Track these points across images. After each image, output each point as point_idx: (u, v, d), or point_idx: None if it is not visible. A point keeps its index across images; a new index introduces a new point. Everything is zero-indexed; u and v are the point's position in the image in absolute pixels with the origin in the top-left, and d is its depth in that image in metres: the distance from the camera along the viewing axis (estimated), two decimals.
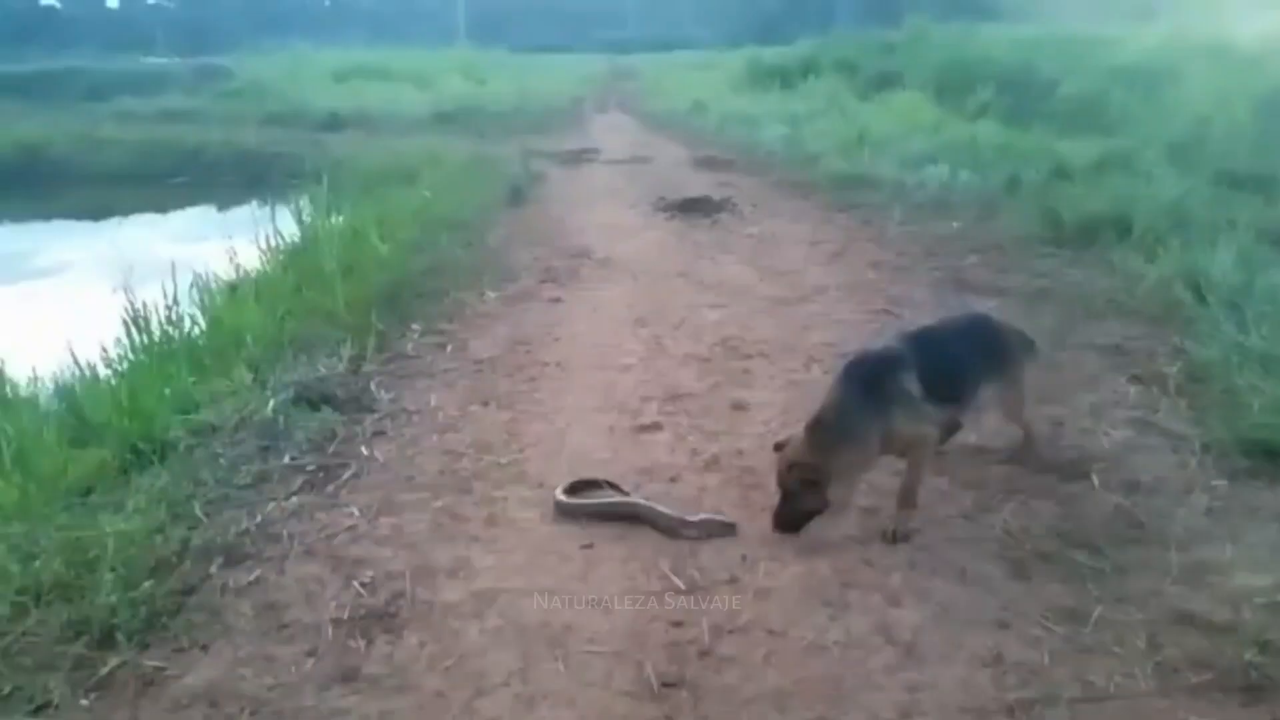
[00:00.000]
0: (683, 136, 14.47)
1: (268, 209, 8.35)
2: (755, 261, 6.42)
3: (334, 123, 18.09)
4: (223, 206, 13.92)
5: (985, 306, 4.96)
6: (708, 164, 11.28)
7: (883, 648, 2.39)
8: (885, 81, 15.16)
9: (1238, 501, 3.04)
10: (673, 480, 3.34)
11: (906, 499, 2.98)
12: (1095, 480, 3.18)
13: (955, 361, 3.14)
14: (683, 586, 2.68)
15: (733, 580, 2.71)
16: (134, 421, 3.76)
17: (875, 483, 3.15)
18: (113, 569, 2.72)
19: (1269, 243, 5.41)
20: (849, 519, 3.02)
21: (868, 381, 2.96)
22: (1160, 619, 2.46)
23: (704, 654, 2.39)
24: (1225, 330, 4.21)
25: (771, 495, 2.98)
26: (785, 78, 17.87)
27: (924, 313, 4.99)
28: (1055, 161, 8.30)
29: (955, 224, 7.02)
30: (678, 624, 2.51)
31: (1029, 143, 9.55)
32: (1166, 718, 2.13)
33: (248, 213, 8.74)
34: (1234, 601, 2.51)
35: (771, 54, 22.22)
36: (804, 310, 5.26)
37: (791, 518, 2.90)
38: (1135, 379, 4.03)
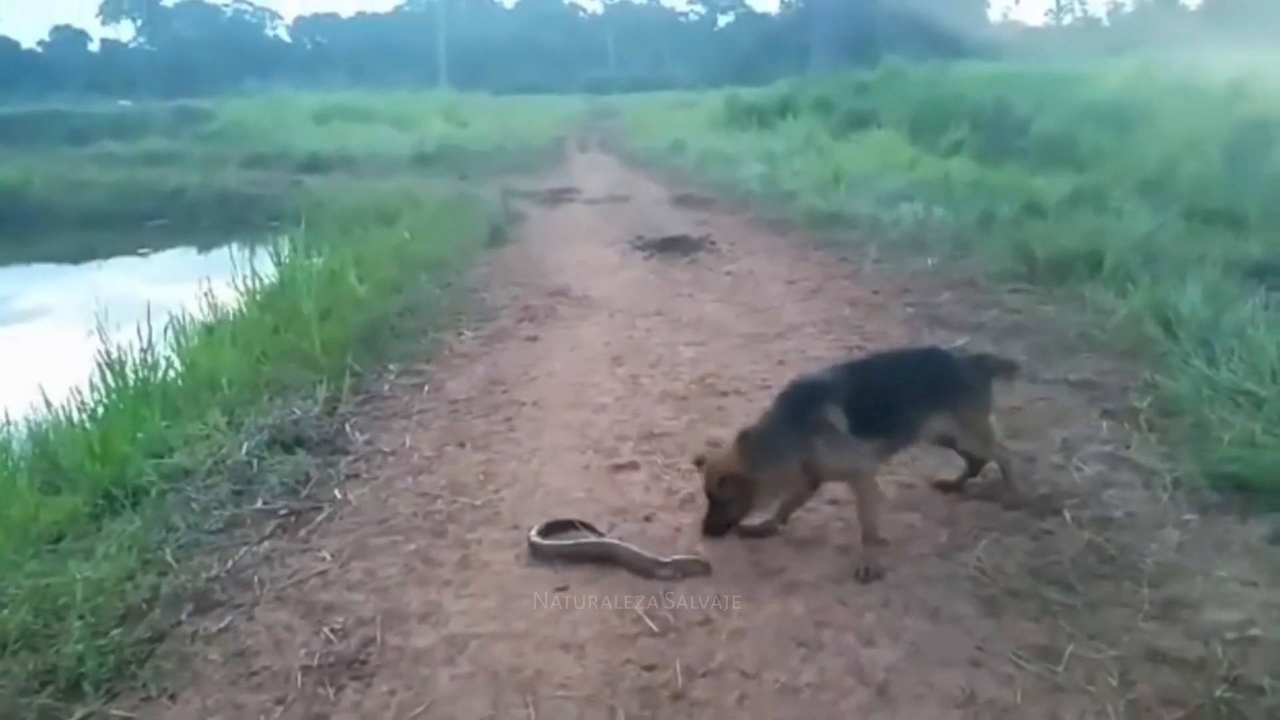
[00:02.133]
0: (662, 175, 14.59)
1: (247, 250, 8.35)
2: (732, 299, 6.45)
3: (314, 164, 18.13)
4: (203, 248, 13.90)
5: (957, 342, 5.04)
6: (686, 202, 11.36)
7: (856, 688, 2.38)
8: (860, 120, 15.33)
9: (1209, 536, 3.05)
10: (648, 519, 3.33)
11: (868, 535, 3.01)
12: (1068, 516, 3.19)
13: (890, 394, 3.18)
14: (656, 629, 2.67)
15: (706, 621, 2.70)
16: (106, 466, 3.74)
17: (850, 519, 3.16)
18: (81, 617, 2.71)
19: (1238, 277, 5.48)
20: (824, 560, 3.02)
21: (794, 407, 3.06)
22: (1132, 655, 2.46)
23: (676, 697, 2.37)
24: (1195, 365, 4.25)
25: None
26: (763, 117, 18.06)
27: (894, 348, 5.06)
28: (1028, 198, 8.40)
29: (930, 260, 7.07)
30: (650, 667, 2.50)
31: (1002, 179, 9.66)
32: None
33: (227, 254, 8.72)
34: (1205, 637, 2.51)
35: (749, 94, 22.49)
36: (780, 347, 5.29)
37: (718, 524, 3.05)
38: (1107, 414, 4.05)
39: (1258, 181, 8.03)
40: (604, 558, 3.05)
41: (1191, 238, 6.57)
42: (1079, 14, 70.39)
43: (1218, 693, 2.28)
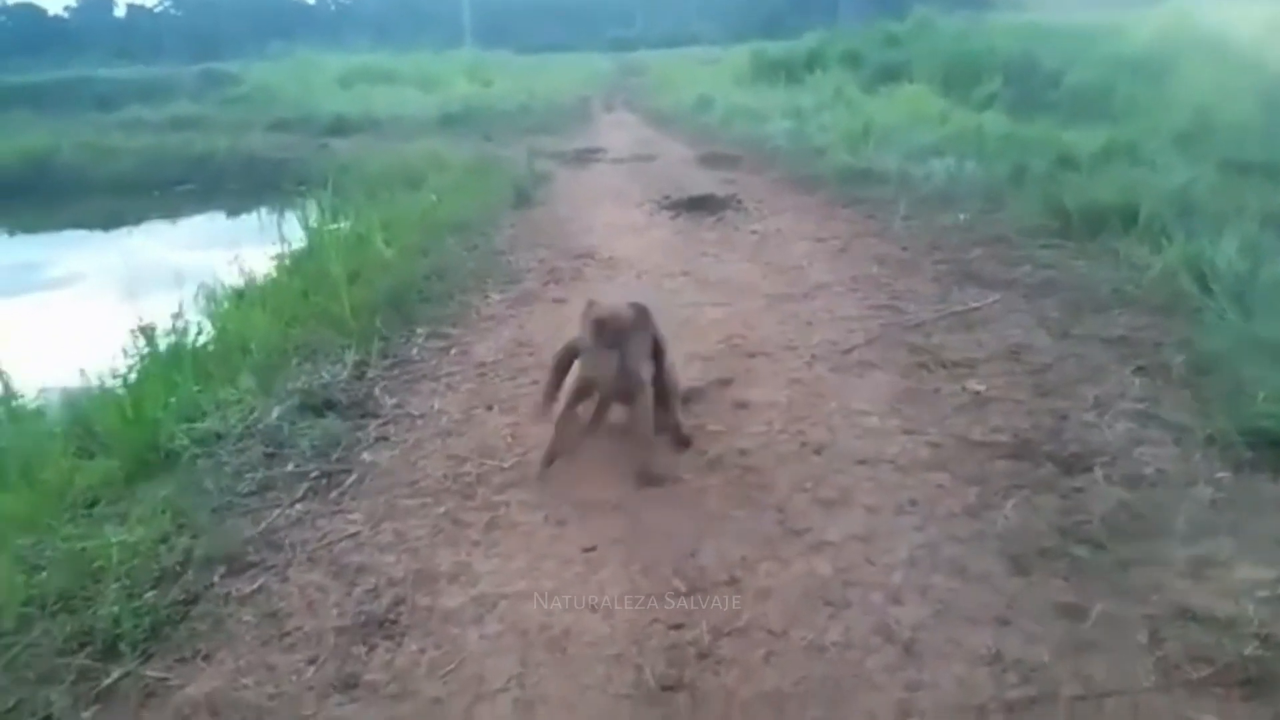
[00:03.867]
0: (688, 133, 14.45)
1: (275, 215, 8.40)
2: (759, 258, 6.41)
3: (340, 127, 18.13)
4: (231, 213, 13.98)
5: (988, 299, 4.99)
6: (712, 161, 11.25)
7: (883, 646, 2.39)
8: (890, 74, 15.06)
9: (1241, 493, 3.02)
10: (674, 481, 3.34)
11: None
12: (1098, 473, 3.16)
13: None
14: (683, 588, 2.68)
15: (733, 581, 2.71)
16: (139, 431, 3.79)
17: (880, 478, 3.16)
18: (117, 579, 2.76)
19: (1276, 230, 5.36)
20: (851, 520, 3.02)
21: None
22: (1162, 614, 2.44)
23: (703, 655, 2.39)
24: (1231, 320, 4.19)
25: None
26: (790, 71, 17.79)
27: (923, 306, 5.02)
28: (1061, 151, 8.23)
29: (961, 216, 6.97)
30: (677, 626, 2.51)
31: (1034, 133, 9.47)
32: (1167, 714, 2.11)
33: (255, 219, 8.76)
34: (1236, 595, 2.49)
35: (777, 48, 22.15)
36: (808, 307, 5.25)
37: None
38: (1139, 370, 4.00)
39: None
40: None
41: (1227, 190, 6.42)
42: None
43: (1248, 650, 2.26)
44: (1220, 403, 3.59)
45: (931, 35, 17.25)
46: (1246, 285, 4.50)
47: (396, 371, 4.58)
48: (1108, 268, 5.43)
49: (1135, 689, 2.19)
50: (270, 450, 3.70)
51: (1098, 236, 5.99)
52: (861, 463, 3.38)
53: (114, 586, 2.71)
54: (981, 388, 3.96)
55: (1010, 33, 15.69)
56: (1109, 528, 2.85)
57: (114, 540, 2.89)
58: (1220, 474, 3.13)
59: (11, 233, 14.64)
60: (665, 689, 2.27)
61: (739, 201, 8.39)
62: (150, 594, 2.72)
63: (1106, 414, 3.61)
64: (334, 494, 3.37)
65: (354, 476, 3.49)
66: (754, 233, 7.25)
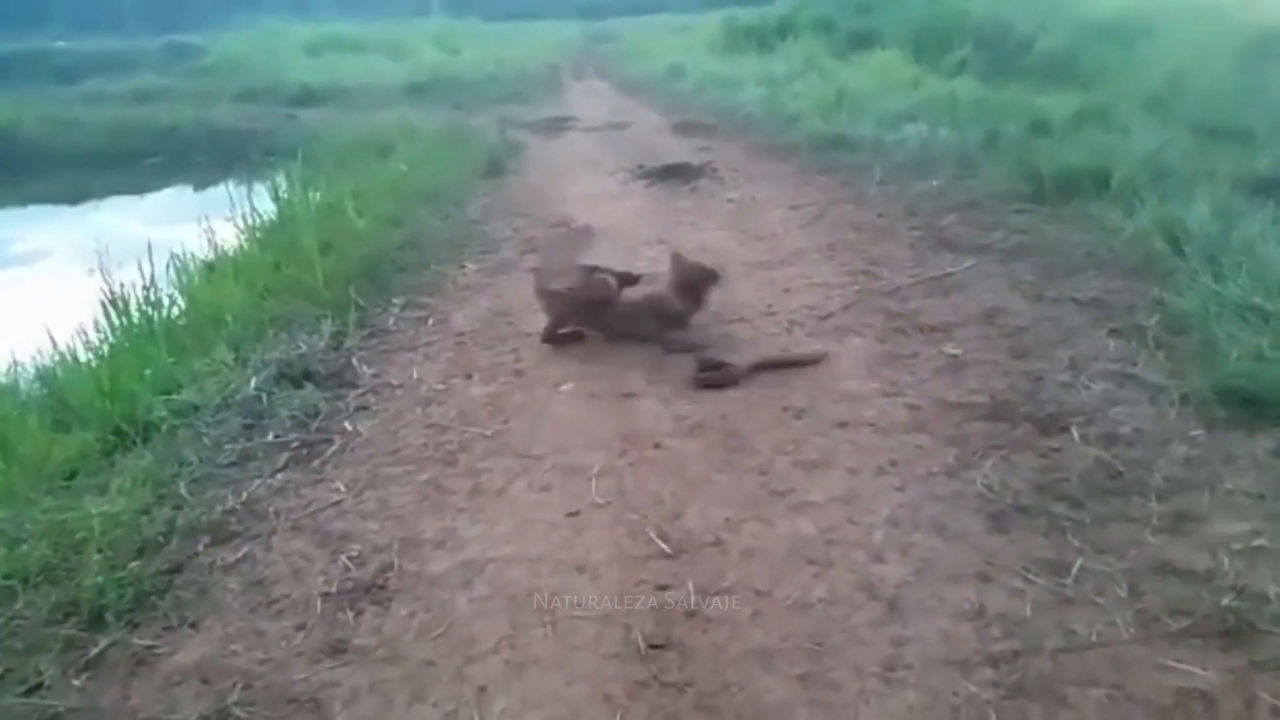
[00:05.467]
0: (661, 101, 14.37)
1: (244, 187, 8.28)
2: (735, 226, 6.40)
3: (308, 97, 17.83)
4: (199, 186, 13.75)
5: (963, 264, 5.02)
6: (686, 129, 11.20)
7: (866, 603, 2.42)
8: (862, 40, 15.02)
9: (1216, 450, 3.07)
10: (657, 446, 3.35)
11: None
12: (1075, 433, 3.21)
13: None
14: (669, 550, 2.70)
15: (718, 543, 2.73)
16: (116, 403, 3.75)
17: (859, 441, 3.19)
18: (100, 551, 2.75)
19: (1246, 193, 5.43)
20: (833, 481, 3.05)
21: None
22: (1140, 568, 2.49)
23: (690, 615, 2.42)
24: (1203, 281, 4.24)
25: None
26: (763, 39, 17.67)
27: (899, 272, 5.05)
28: (1033, 116, 8.26)
29: (935, 182, 6.99)
30: (664, 587, 2.54)
31: (1007, 98, 9.49)
32: (1147, 664, 2.16)
33: (223, 191, 8.64)
34: (1213, 549, 2.54)
35: (748, 15, 21.97)
36: (784, 274, 5.26)
37: None
38: (1114, 332, 4.04)
39: (1267, 96, 7.92)
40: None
41: (1199, 154, 6.48)
42: None
43: (1225, 602, 2.31)
44: (1194, 362, 3.64)
45: (902, 1, 17.21)
46: (1219, 247, 4.55)
47: (374, 341, 4.55)
48: (1081, 231, 5.47)
49: (1116, 641, 2.24)
50: (249, 421, 3.68)
51: (1071, 201, 6.03)
52: (841, 426, 3.40)
53: (97, 557, 2.69)
54: (958, 351, 3.99)
55: None
56: (1087, 485, 2.89)
57: (95, 512, 2.88)
58: (1195, 431, 3.19)
59: None
60: (654, 647, 2.30)
61: (714, 169, 8.37)
62: (134, 564, 2.71)
63: (1082, 375, 3.66)
64: (315, 463, 3.36)
65: (335, 446, 3.48)
66: (729, 200, 7.24)
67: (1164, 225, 5.02)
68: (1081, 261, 4.97)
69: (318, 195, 7.53)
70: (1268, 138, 6.79)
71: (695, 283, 4.39)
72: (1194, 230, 4.80)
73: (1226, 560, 2.48)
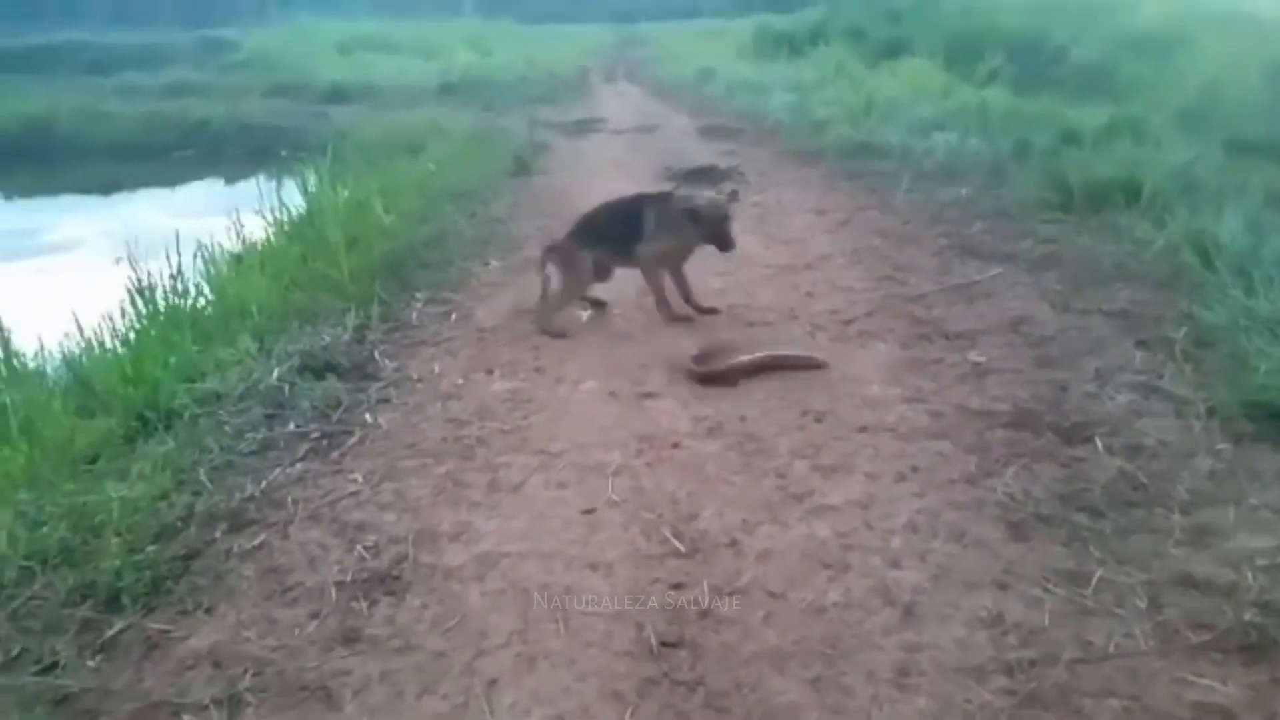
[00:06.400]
0: (690, 105, 14.36)
1: (273, 181, 8.35)
2: (761, 230, 6.37)
3: (339, 95, 17.98)
4: (229, 179, 13.87)
5: (990, 272, 4.98)
6: (714, 133, 11.18)
7: (882, 609, 2.40)
8: (893, 48, 14.97)
9: (1241, 464, 3.03)
10: (675, 446, 3.34)
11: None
12: (1099, 444, 3.17)
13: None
14: (683, 549, 2.69)
15: (733, 544, 2.72)
16: (139, 390, 3.78)
17: (877, 447, 3.16)
18: (118, 534, 2.77)
19: (1278, 207, 5.36)
20: (851, 485, 3.02)
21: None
22: (1161, 580, 2.46)
23: (703, 615, 2.41)
24: (1233, 295, 4.18)
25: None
26: (794, 45, 17.65)
27: (925, 278, 5.02)
28: (1064, 127, 8.19)
29: (963, 190, 6.95)
30: (678, 586, 2.53)
31: (1038, 109, 9.42)
32: (1166, 677, 2.13)
33: (253, 186, 8.69)
34: (1235, 563, 2.51)
35: (780, 21, 21.97)
36: (808, 277, 5.24)
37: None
38: (1141, 344, 4.00)
39: None
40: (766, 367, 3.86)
41: (1231, 167, 6.42)
42: None
43: (1247, 616, 2.28)
44: (1221, 376, 3.60)
45: (934, 10, 17.12)
46: (1249, 261, 4.49)
47: (396, 335, 4.57)
48: (1110, 243, 5.42)
49: (1134, 653, 2.21)
50: (270, 411, 3.70)
51: (1100, 212, 5.98)
52: (862, 430, 3.39)
53: (115, 541, 2.71)
54: (982, 359, 3.96)
55: (1014, 8, 15.57)
56: (1109, 496, 2.86)
57: (115, 496, 2.89)
58: (1220, 445, 3.14)
59: (9, 197, 14.52)
60: (665, 645, 2.29)
61: (741, 173, 8.35)
62: (151, 548, 2.73)
63: (1107, 385, 3.62)
64: (335, 454, 3.38)
65: (355, 437, 3.49)
66: (755, 205, 7.20)
67: (1194, 238, 4.96)
68: (1110, 273, 4.92)
69: (346, 192, 7.57)
70: None
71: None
72: (1224, 244, 4.74)
73: (1250, 574, 2.44)
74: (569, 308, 4.73)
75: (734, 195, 4.91)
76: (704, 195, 4.88)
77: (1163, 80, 10.11)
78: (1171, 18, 12.51)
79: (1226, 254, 4.64)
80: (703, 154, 9.53)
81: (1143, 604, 2.36)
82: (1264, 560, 2.51)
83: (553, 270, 4.61)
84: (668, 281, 4.70)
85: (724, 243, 4.54)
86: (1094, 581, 2.45)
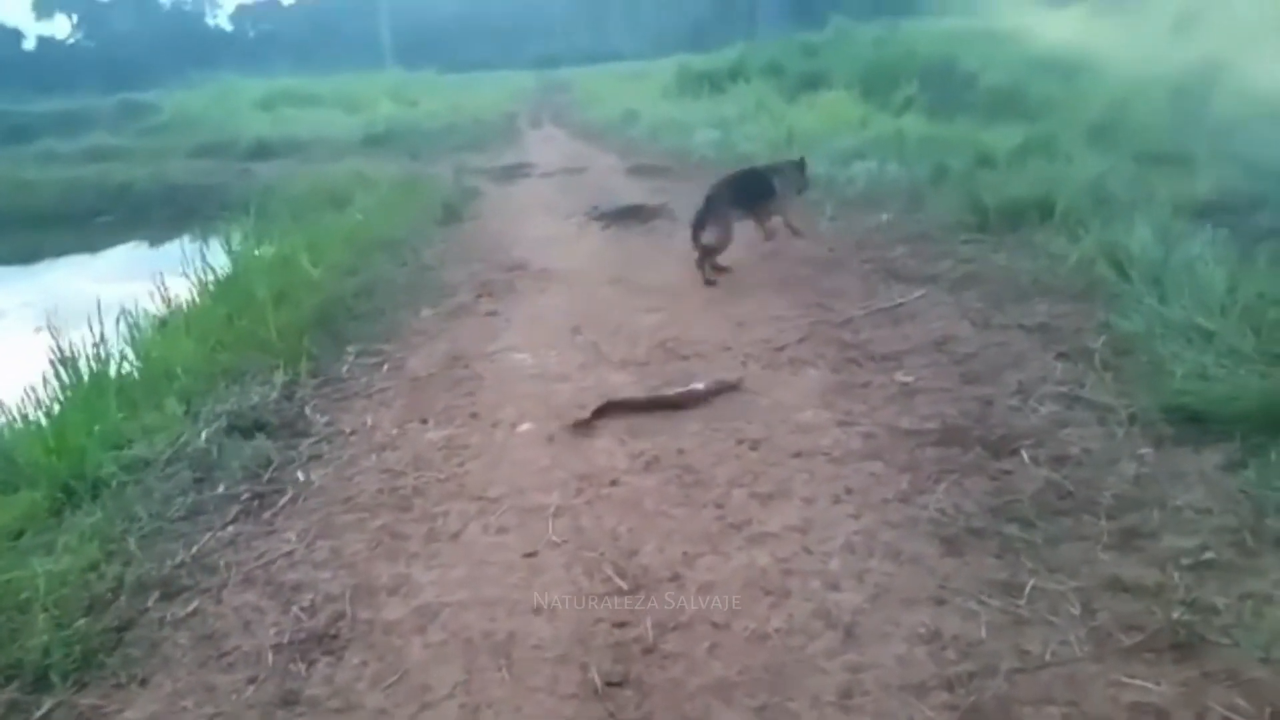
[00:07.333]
0: (616, 146, 14.49)
1: (199, 242, 8.23)
2: (691, 264, 6.43)
3: (263, 151, 17.80)
4: (154, 242, 13.66)
5: (913, 294, 5.09)
6: (641, 172, 11.30)
7: (824, 632, 2.42)
8: (811, 81, 15.30)
9: (1164, 467, 3.12)
10: (613, 483, 3.34)
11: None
12: (1025, 455, 3.24)
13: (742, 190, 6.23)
14: (626, 587, 2.69)
15: (675, 577, 2.72)
16: (63, 460, 3.68)
17: (815, 471, 3.20)
18: (45, 610, 2.68)
19: (1187, 216, 5.55)
20: (789, 511, 3.05)
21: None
22: (1092, 586, 2.51)
23: (648, 651, 2.40)
24: (1147, 303, 4.33)
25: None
26: (714, 83, 17.94)
27: (851, 303, 5.11)
28: (979, 150, 8.43)
29: (884, 216, 7.11)
30: (621, 624, 2.52)
31: (953, 133, 9.68)
32: (1101, 681, 2.17)
33: (178, 247, 8.59)
34: (1162, 564, 2.58)
35: (700, 61, 22.35)
36: (739, 309, 5.29)
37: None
38: (1062, 355, 4.11)
39: (1203, 121, 8.13)
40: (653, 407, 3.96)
41: (1141, 180, 6.65)
42: None
43: (1175, 615, 2.34)
44: (1140, 382, 3.70)
45: (849, 43, 17.59)
46: (1161, 270, 4.65)
47: (327, 390, 4.52)
48: (1027, 259, 5.57)
49: (1070, 659, 2.25)
50: (199, 474, 3.63)
51: (1017, 230, 6.15)
52: (797, 455, 3.42)
53: (42, 617, 2.63)
54: (910, 379, 4.04)
55: (927, 37, 16.05)
56: (1038, 506, 2.92)
57: (41, 570, 2.81)
58: (1143, 450, 3.23)
59: None
60: (611, 685, 2.28)
61: (669, 210, 8.43)
62: (81, 622, 2.65)
63: (1031, 398, 3.71)
64: (267, 514, 3.32)
65: (287, 496, 3.44)
66: (685, 240, 7.26)
67: (1107, 250, 5.12)
68: (1028, 288, 5.05)
69: (272, 248, 7.50)
70: (1206, 162, 6.97)
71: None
72: (1137, 254, 4.90)
73: (1176, 575, 2.51)
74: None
75: (802, 162, 6.66)
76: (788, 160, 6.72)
77: (1071, 99, 10.46)
78: (1076, 37, 12.93)
79: (1139, 264, 4.80)
80: (632, 192, 9.62)
81: (1076, 610, 2.41)
82: (1189, 560, 2.58)
83: (711, 228, 5.88)
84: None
85: (805, 187, 6.73)
86: (1027, 591, 2.50)
